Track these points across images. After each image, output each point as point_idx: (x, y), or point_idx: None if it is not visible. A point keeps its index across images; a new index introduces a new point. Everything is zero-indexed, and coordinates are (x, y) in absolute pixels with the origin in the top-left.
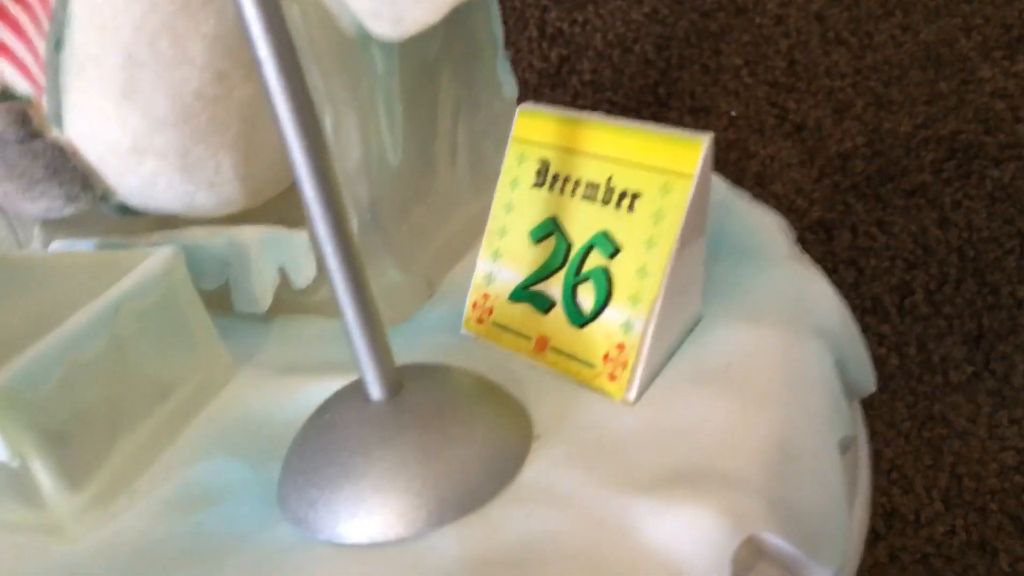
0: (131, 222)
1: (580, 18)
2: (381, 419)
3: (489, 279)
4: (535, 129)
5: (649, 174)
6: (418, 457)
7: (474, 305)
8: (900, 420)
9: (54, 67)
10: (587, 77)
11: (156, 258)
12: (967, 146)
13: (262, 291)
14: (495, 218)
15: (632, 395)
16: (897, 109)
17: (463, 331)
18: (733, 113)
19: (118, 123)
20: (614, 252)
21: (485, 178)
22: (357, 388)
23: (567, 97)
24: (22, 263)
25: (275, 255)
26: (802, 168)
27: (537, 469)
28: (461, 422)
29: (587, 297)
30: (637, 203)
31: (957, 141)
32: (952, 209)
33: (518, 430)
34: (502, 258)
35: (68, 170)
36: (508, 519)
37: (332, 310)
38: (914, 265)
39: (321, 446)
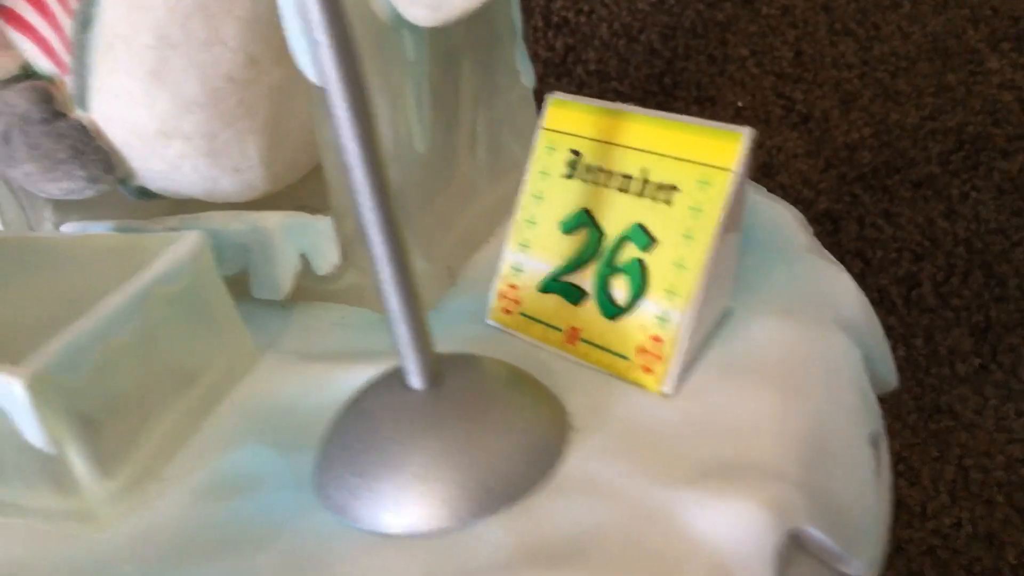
0: (147, 205)
1: (586, 7)
2: (422, 408)
3: (517, 269)
4: (567, 119)
5: (687, 167)
6: (460, 447)
7: (501, 295)
8: (907, 412)
9: (81, 46)
10: (592, 67)
11: (183, 243)
12: (975, 137)
13: (284, 277)
14: (524, 208)
15: (669, 388)
16: (904, 100)
17: (488, 321)
18: (739, 104)
19: (146, 105)
20: (650, 244)
21: (503, 166)
22: (395, 376)
23: (572, 87)
24: (45, 244)
25: (297, 241)
26: (809, 159)
27: (578, 460)
28: (500, 412)
29: (621, 289)
30: (674, 196)
31: (964, 132)
32: (959, 201)
33: (555, 421)
34: (531, 248)
35: (92, 151)
36: (553, 510)
37: (354, 298)
38: (921, 257)
39: (360, 434)
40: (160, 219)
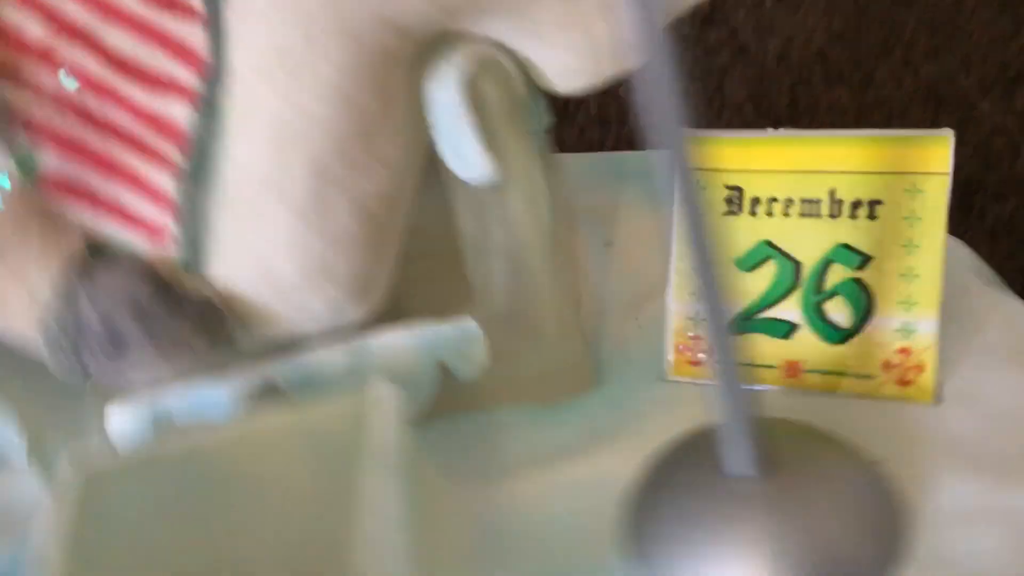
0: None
1: None
2: (763, 497)
3: (694, 319)
4: (709, 156)
5: (888, 179)
6: (812, 529)
7: (681, 349)
8: None
9: (194, 203)
10: (593, 111)
11: (381, 402)
12: (968, 181)
13: (424, 396)
14: (683, 256)
15: (943, 394)
16: None
17: (672, 378)
18: None
19: (289, 250)
20: (864, 262)
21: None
22: (703, 468)
23: (574, 132)
24: (215, 446)
25: (434, 353)
26: None
27: (939, 493)
28: (835, 479)
29: (839, 312)
30: (879, 210)
31: (958, 177)
32: None
33: (871, 465)
34: None
35: (215, 320)
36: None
37: (500, 396)
38: None
39: (699, 542)
40: (241, 363)
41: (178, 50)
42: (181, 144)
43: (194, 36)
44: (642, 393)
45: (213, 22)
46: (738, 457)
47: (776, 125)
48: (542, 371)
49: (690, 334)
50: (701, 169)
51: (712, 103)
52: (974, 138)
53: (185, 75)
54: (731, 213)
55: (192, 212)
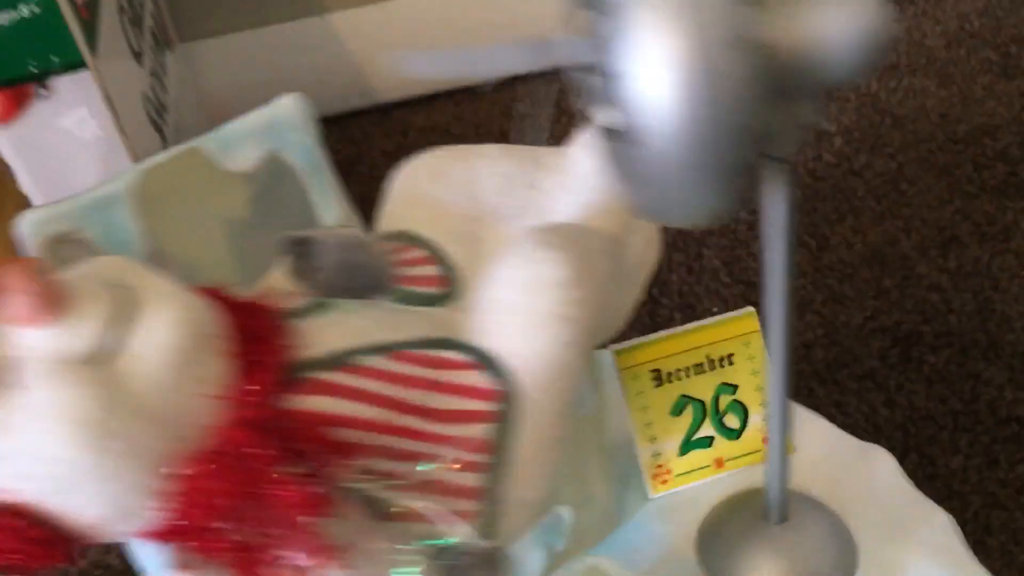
0: None
1: None
2: (779, 538)
3: (656, 455)
4: (633, 357)
5: (730, 342)
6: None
7: (654, 476)
8: None
9: (493, 485)
10: None
11: None
12: (908, 335)
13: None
14: (637, 420)
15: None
16: (849, 303)
17: (652, 496)
18: (715, 310)
19: (546, 486)
20: (735, 390)
21: None
22: (748, 517)
23: None
24: None
25: (542, 540)
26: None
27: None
28: (815, 521)
29: (733, 421)
30: (733, 359)
31: (899, 331)
32: (896, 391)
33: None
34: (658, 438)
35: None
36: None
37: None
38: (866, 441)
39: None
40: None
41: (471, 392)
42: (483, 449)
43: (476, 379)
44: (641, 510)
45: (490, 364)
46: (774, 508)
47: (747, 287)
48: (596, 523)
49: (657, 465)
50: (627, 368)
51: (692, 269)
52: (914, 295)
53: (482, 405)
54: (658, 384)
55: (493, 492)
